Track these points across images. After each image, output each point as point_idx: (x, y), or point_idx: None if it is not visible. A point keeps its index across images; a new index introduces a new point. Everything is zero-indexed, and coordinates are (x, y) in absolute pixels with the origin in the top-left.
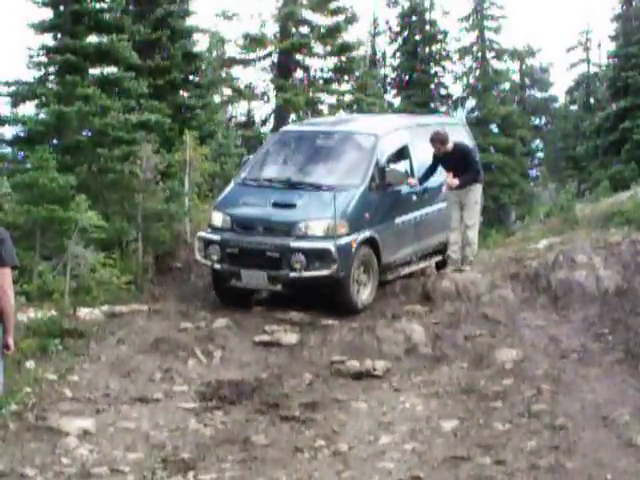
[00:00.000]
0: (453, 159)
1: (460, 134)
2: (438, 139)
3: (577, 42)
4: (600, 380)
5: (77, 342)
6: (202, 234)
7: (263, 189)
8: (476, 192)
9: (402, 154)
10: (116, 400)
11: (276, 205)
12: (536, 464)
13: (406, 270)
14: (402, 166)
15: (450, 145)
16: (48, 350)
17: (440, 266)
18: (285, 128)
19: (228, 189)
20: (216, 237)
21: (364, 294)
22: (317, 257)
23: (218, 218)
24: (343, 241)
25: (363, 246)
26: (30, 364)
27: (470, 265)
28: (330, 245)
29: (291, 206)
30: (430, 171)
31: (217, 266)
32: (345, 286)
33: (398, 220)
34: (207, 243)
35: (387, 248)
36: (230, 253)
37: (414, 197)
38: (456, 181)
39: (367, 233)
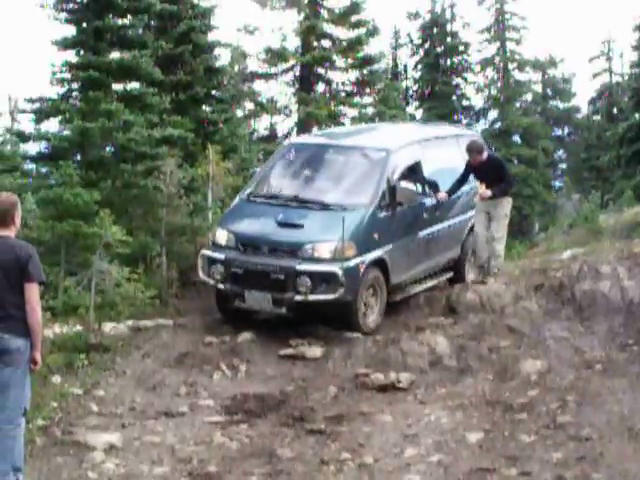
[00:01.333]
0: (486, 170)
1: None
2: (475, 149)
3: (599, 52)
4: (625, 391)
5: (102, 357)
6: (206, 252)
7: (269, 206)
8: (506, 205)
9: (414, 170)
10: (142, 414)
11: (282, 224)
12: (562, 475)
13: (415, 289)
14: (414, 183)
15: (485, 155)
16: (74, 365)
17: (452, 282)
18: (293, 140)
19: (233, 205)
20: (220, 256)
21: (371, 316)
22: (323, 280)
23: (222, 236)
24: (351, 264)
25: (371, 268)
26: (56, 379)
27: (495, 277)
28: (337, 268)
29: (298, 226)
30: (460, 182)
31: (221, 286)
32: (352, 309)
33: (408, 239)
34: (211, 262)
35: (396, 269)
36: (234, 273)
37: (425, 214)
38: (489, 192)
39: (376, 254)
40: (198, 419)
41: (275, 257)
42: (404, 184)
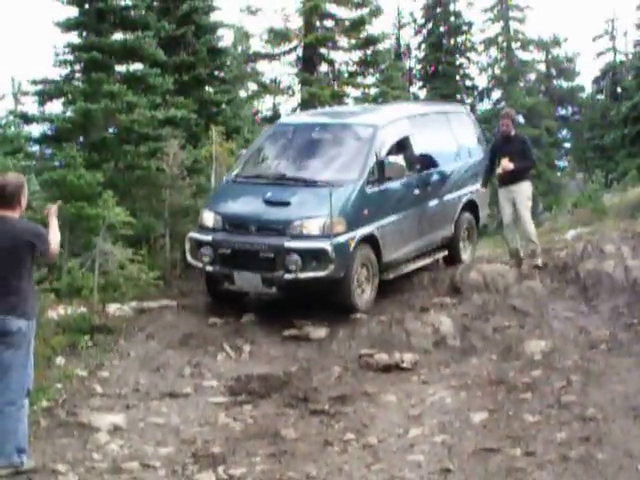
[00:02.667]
0: (513, 146)
1: (464, 123)
2: (511, 116)
3: (603, 31)
4: (630, 370)
5: (106, 338)
6: (193, 235)
7: (256, 186)
8: (527, 189)
9: (403, 145)
10: (146, 395)
11: (269, 203)
12: (566, 455)
13: (409, 268)
14: (403, 158)
15: (513, 131)
16: (78, 346)
17: (448, 262)
18: (280, 120)
19: (219, 187)
20: (207, 238)
21: (364, 295)
22: (313, 257)
23: (209, 218)
24: (341, 240)
25: (362, 244)
26: (60, 360)
27: (539, 257)
28: (326, 244)
29: (285, 204)
30: (490, 169)
31: (209, 268)
32: (344, 287)
33: (399, 216)
34: (198, 244)
35: (388, 246)
36: (222, 254)
37: (416, 191)
38: (511, 165)
39: (366, 230)
40: (202, 400)
41: (263, 236)
42: (393, 159)
